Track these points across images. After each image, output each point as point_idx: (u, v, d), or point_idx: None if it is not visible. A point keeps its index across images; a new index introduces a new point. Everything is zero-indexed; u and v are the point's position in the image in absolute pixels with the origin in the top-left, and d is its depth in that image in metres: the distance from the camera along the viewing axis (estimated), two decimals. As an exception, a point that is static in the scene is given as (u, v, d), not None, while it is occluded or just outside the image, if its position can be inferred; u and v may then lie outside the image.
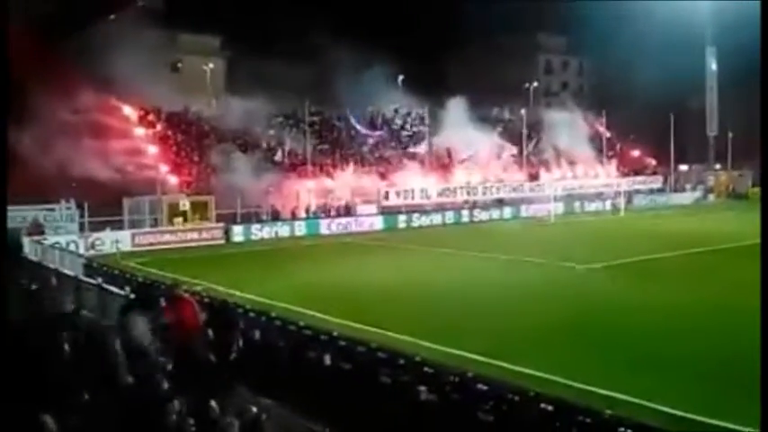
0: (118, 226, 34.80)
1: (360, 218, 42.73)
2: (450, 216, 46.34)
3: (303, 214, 41.55)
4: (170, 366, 8.10)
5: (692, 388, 11.71)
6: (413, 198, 46.57)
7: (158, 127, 47.27)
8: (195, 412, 5.85)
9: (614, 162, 61.41)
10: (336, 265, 27.84)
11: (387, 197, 45.00)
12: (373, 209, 44.10)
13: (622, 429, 7.23)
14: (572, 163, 58.28)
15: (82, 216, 33.58)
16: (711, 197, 63.76)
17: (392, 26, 70.04)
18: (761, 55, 7.36)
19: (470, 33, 77.98)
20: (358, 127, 54.61)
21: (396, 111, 58.29)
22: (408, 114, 57.86)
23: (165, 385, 6.68)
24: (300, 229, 39.83)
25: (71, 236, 31.72)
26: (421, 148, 53.71)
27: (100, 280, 16.96)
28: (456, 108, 53.78)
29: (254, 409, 5.61)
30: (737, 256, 27.86)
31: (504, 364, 12.79)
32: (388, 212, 44.26)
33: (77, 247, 30.46)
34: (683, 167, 69.83)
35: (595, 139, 63.99)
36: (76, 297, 16.66)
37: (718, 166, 70.07)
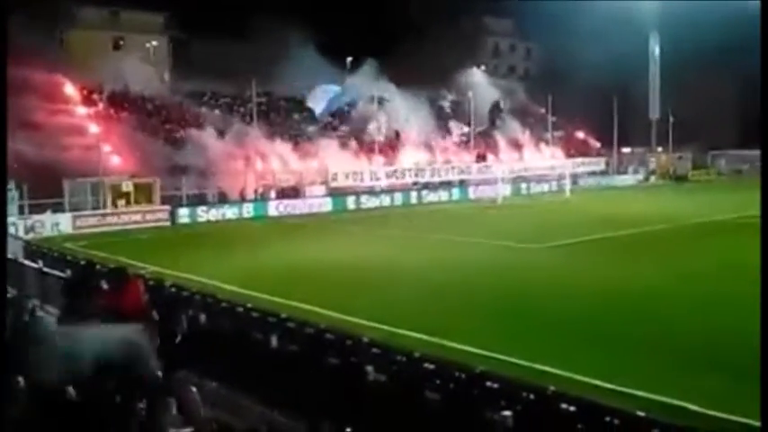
0: (59, 208, 33.95)
1: (308, 199, 42.49)
2: (398, 197, 46.45)
3: (251, 196, 41.14)
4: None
5: (623, 364, 12.00)
6: (362, 180, 46.52)
7: (99, 106, 46.13)
8: (137, 396, 5.75)
9: (560, 144, 62.33)
10: (283, 247, 27.65)
11: (335, 179, 44.85)
12: (322, 190, 43.92)
13: (564, 405, 7.36)
14: (518, 145, 59.03)
15: (21, 198, 32.63)
16: (653, 179, 65.24)
17: (338, 7, 69.45)
18: (761, 55, 7.47)
19: (418, 15, 77.81)
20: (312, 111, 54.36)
21: (342, 93, 58.06)
22: (355, 97, 57.58)
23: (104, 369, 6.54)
24: (248, 210, 39.42)
25: (10, 218, 30.78)
26: (369, 130, 53.51)
27: (40, 263, 16.57)
28: (403, 90, 53.81)
29: (195, 390, 5.53)
30: (679, 235, 28.69)
31: (448, 343, 12.91)
32: (337, 194, 44.13)
33: (17, 230, 29.65)
34: (626, 150, 71.23)
35: (540, 122, 64.90)
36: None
37: (659, 149, 71.67)
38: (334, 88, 57.69)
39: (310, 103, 56.30)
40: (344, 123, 55.58)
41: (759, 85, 7.77)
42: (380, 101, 53.43)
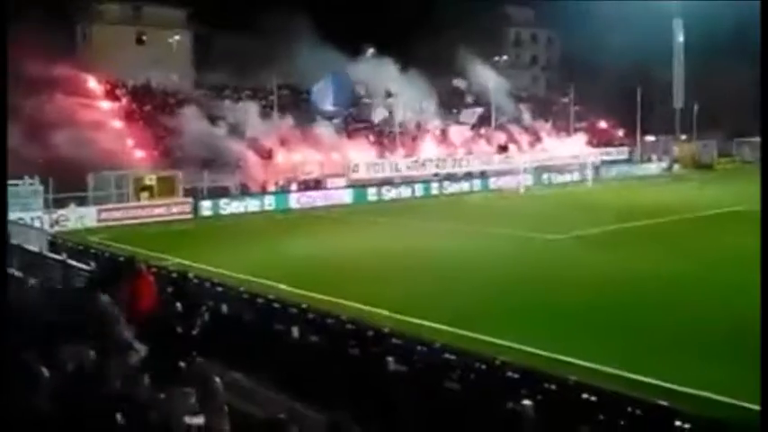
0: (83, 202, 34.32)
1: (329, 191, 42.55)
2: (419, 189, 46.32)
3: (272, 188, 41.29)
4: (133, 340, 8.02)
5: (644, 354, 11.92)
6: (382, 171, 46.47)
7: (123, 100, 46.50)
8: (158, 384, 5.82)
9: (582, 133, 61.69)
10: (304, 239, 27.70)
11: (356, 170, 44.87)
12: (343, 182, 43.95)
13: (586, 395, 7.33)
14: (539, 135, 58.66)
15: (46, 192, 33.00)
16: (677, 168, 64.48)
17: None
18: (761, 55, 7.39)
19: (438, 5, 77.46)
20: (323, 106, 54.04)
21: (365, 88, 57.74)
22: (373, 88, 57.12)
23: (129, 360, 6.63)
24: (269, 203, 39.57)
25: (35, 212, 31.19)
26: (388, 122, 53.40)
27: (64, 256, 16.76)
28: (422, 81, 53.53)
29: (218, 381, 5.58)
30: (702, 225, 28.42)
31: (468, 333, 12.91)
32: (358, 186, 44.14)
33: (42, 223, 30.03)
34: (650, 138, 70.43)
35: (562, 111, 64.43)
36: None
37: (683, 138, 70.83)
38: (342, 78, 56.46)
39: (318, 95, 55.42)
40: (364, 115, 55.47)
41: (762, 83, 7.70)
42: (400, 92, 53.17)
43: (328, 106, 54.10)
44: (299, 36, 52.29)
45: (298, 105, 53.32)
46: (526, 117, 61.30)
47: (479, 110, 58.50)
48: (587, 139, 61.09)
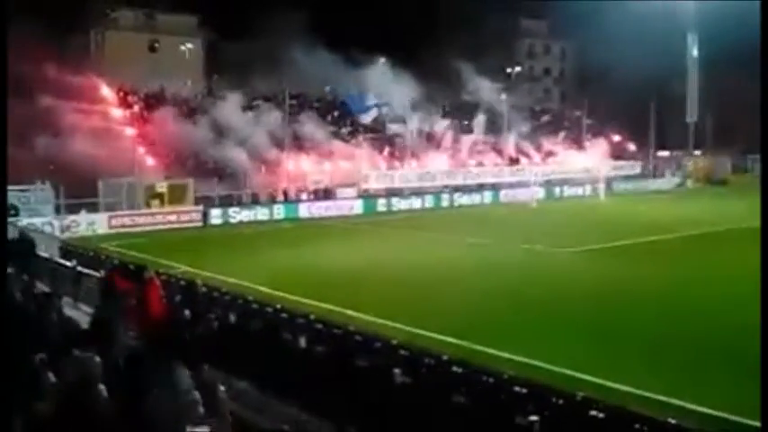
0: (93, 208, 34.45)
1: (339, 201, 42.53)
2: (429, 200, 46.25)
3: (282, 197, 41.33)
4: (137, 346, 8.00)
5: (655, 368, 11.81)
6: (393, 182, 46.42)
7: (135, 107, 46.71)
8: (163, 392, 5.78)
9: (595, 147, 61.39)
10: (313, 249, 27.66)
11: (366, 181, 44.87)
12: (353, 192, 43.93)
13: (594, 412, 7.25)
14: (551, 148, 58.46)
15: (57, 198, 33.18)
16: (690, 183, 64.12)
17: (371, 7, 69.56)
18: (761, 55, 7.35)
19: (452, 16, 77.65)
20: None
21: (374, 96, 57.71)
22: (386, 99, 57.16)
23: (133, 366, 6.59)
24: (279, 212, 39.58)
25: (46, 218, 31.33)
26: (400, 132, 53.37)
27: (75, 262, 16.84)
28: (433, 91, 53.47)
29: (223, 389, 5.54)
30: (713, 241, 28.23)
31: (479, 347, 12.83)
32: (368, 196, 44.11)
33: (52, 229, 30.17)
34: (663, 153, 70.09)
35: (575, 124, 64.28)
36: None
37: (697, 152, 70.41)
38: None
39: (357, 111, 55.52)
40: (375, 125, 55.46)
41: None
42: (410, 103, 53.12)
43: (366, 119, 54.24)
44: (310, 45, 52.39)
45: (308, 114, 53.37)
46: (538, 130, 61.12)
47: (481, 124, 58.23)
48: (600, 152, 60.77)
